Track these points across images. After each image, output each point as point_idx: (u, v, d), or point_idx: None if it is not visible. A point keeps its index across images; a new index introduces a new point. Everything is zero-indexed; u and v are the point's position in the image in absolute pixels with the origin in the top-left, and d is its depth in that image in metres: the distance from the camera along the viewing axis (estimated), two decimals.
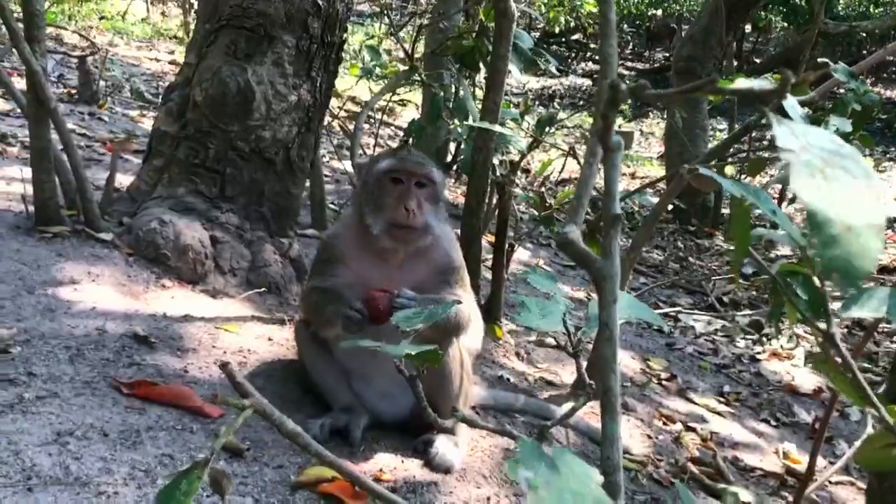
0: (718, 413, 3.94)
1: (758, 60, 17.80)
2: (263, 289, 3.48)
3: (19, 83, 4.22)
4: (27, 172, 3.40)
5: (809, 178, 0.72)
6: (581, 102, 17.00)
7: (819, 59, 3.37)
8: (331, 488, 2.20)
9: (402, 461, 2.54)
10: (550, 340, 4.26)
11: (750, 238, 1.62)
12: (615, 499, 0.93)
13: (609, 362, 0.95)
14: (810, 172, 0.73)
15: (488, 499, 2.45)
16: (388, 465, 2.50)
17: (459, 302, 2.02)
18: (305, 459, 2.36)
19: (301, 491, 2.19)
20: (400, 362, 1.38)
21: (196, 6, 12.59)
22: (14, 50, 3.19)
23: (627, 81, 0.95)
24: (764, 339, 5.29)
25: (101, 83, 7.22)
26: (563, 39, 21.25)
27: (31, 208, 3.33)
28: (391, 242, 2.58)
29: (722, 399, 4.17)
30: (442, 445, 2.55)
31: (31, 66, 3.05)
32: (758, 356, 5.00)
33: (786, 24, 17.32)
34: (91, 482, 1.97)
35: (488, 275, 4.26)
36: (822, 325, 1.53)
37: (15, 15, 3.51)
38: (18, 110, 4.22)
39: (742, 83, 1.22)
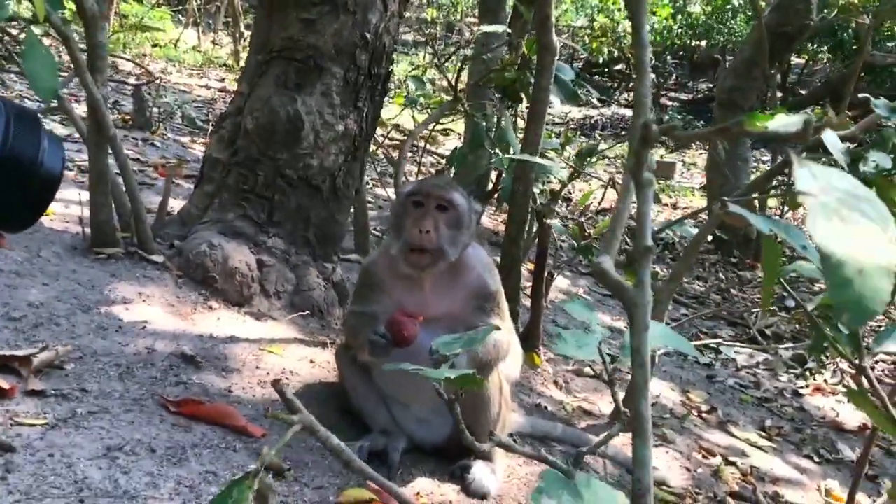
0: (759, 447, 3.89)
1: (803, 92, 17.62)
2: (307, 312, 3.56)
3: (76, 109, 4.40)
4: (84, 195, 3.54)
5: (825, 221, 0.75)
6: (622, 133, 16.97)
7: (860, 95, 3.36)
8: None
9: (439, 486, 2.58)
10: (589, 370, 4.26)
11: (780, 272, 1.64)
12: None
13: (640, 387, 0.98)
14: (827, 215, 0.76)
15: None
16: (425, 490, 2.53)
17: (498, 328, 2.06)
18: (345, 481, 2.41)
19: None
20: (439, 386, 1.43)
21: (247, 36, 12.89)
22: (75, 77, 3.34)
23: (668, 115, 1.00)
24: (807, 373, 5.21)
25: (155, 110, 7.45)
26: (606, 70, 21.28)
27: (87, 230, 3.47)
28: (407, 268, 2.60)
29: (763, 433, 4.12)
30: (479, 472, 2.58)
31: (92, 94, 3.19)
32: (801, 391, 4.92)
33: (831, 56, 17.12)
34: (139, 496, 2.05)
35: (527, 303, 4.29)
36: (856, 360, 1.54)
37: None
38: (75, 135, 4.39)
39: (775, 122, 1.26)
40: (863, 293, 0.67)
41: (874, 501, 3.40)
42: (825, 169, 0.82)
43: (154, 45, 13.88)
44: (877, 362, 5.64)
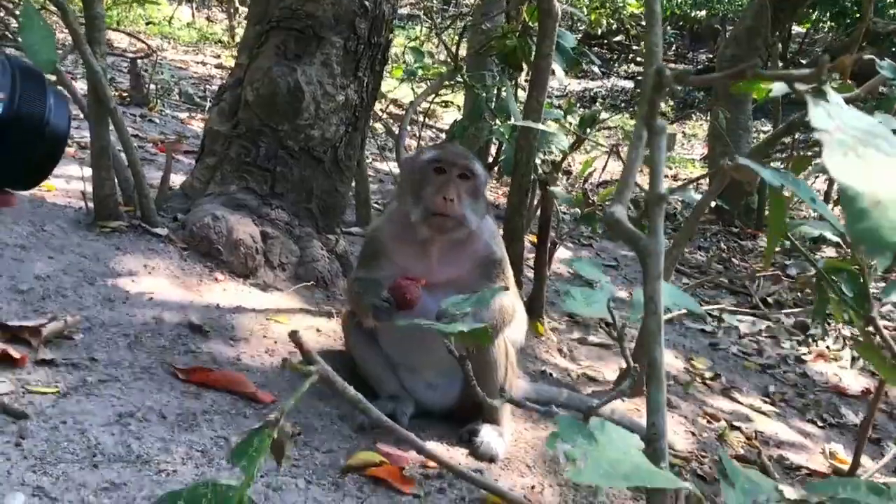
0: (763, 413, 3.92)
1: (804, 62, 17.49)
2: (311, 283, 3.57)
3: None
4: (86, 171, 3.54)
5: (842, 156, 0.76)
6: (622, 104, 16.89)
7: (866, 56, 3.35)
8: (379, 472, 2.27)
9: (448, 450, 2.60)
10: (592, 339, 4.28)
11: (785, 227, 1.65)
12: (658, 464, 0.97)
13: (654, 335, 0.99)
14: (843, 151, 0.76)
15: (532, 487, 2.50)
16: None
17: (506, 288, 2.07)
18: (354, 445, 2.44)
19: (350, 474, 2.27)
20: (450, 343, 1.44)
21: (242, 12, 12.78)
22: (72, 53, 3.31)
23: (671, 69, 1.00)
24: (810, 339, 5.23)
25: (151, 86, 7.41)
26: (605, 41, 21.12)
27: (91, 205, 3.46)
28: (428, 231, 2.62)
29: (767, 399, 4.14)
30: (487, 435, 2.61)
31: (92, 67, 3.18)
32: (803, 357, 4.95)
33: (833, 25, 16.97)
34: (151, 460, 2.07)
35: (531, 273, 4.30)
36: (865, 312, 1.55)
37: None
38: (75, 111, 4.36)
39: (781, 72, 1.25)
40: (880, 224, 0.68)
41: (877, 463, 3.43)
42: (840, 108, 0.83)
43: (148, 23, 13.78)
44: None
